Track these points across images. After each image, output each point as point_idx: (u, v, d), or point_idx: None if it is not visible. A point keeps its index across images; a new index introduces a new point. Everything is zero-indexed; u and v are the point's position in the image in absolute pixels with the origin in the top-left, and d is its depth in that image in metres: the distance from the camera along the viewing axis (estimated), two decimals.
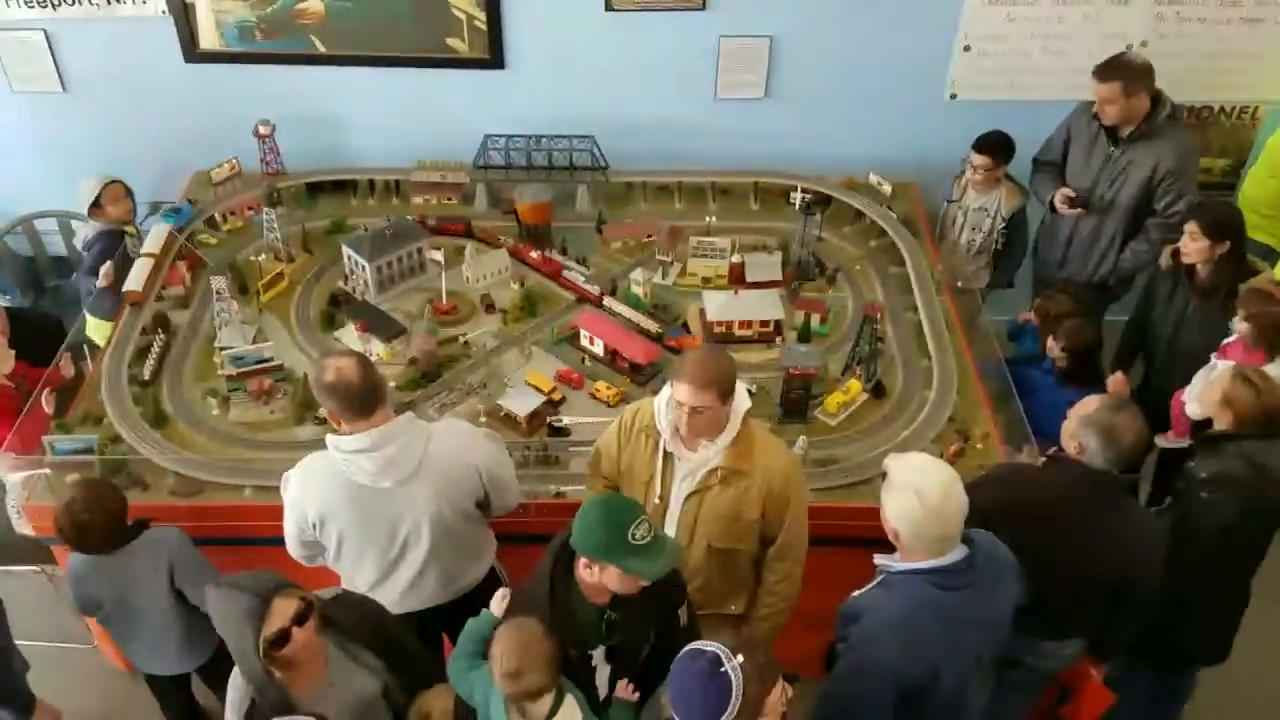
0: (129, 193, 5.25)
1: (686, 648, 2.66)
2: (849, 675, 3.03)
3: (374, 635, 3.11)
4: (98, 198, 5.15)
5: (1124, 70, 4.77)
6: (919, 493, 2.90)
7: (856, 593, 3.18)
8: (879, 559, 3.11)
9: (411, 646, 3.25)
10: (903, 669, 2.95)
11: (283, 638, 2.79)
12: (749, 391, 3.52)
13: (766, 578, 3.53)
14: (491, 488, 3.51)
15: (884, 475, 3.07)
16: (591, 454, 3.71)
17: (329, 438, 3.32)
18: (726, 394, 3.22)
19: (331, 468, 3.32)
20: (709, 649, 2.59)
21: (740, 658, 2.55)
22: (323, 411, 4.26)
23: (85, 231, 5.27)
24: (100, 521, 3.62)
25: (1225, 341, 4.40)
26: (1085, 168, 5.08)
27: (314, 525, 3.39)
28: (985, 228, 5.27)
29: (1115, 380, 4.63)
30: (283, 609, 2.80)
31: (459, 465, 3.42)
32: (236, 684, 2.93)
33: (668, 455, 3.41)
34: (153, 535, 3.76)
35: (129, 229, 5.25)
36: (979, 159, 5.10)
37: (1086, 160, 5.08)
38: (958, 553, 2.97)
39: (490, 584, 3.67)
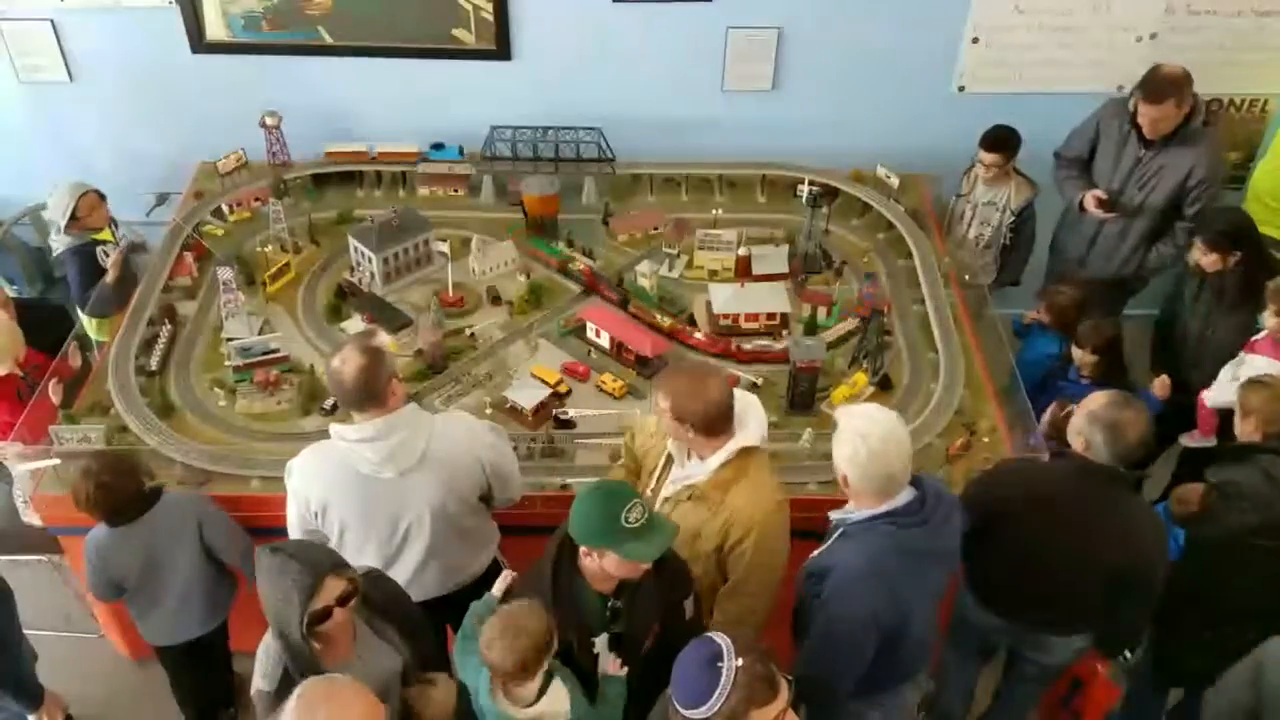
0: (103, 198, 5.11)
1: (710, 631, 2.68)
2: (828, 629, 3.13)
3: (399, 614, 3.14)
4: (74, 210, 4.98)
5: (1175, 87, 4.72)
6: (863, 436, 3.02)
7: (815, 552, 3.28)
8: (834, 514, 3.23)
9: (428, 629, 3.27)
10: (880, 611, 3.08)
11: (324, 615, 2.83)
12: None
13: (715, 613, 3.43)
14: (495, 480, 3.52)
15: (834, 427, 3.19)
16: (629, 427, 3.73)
17: (333, 426, 3.34)
18: (680, 416, 3.19)
19: (335, 456, 3.33)
20: (719, 640, 2.60)
21: (741, 660, 2.54)
22: (328, 403, 4.31)
23: (57, 246, 5.13)
24: (121, 482, 3.64)
25: (1254, 338, 4.39)
26: (1114, 169, 5.04)
27: (315, 514, 3.40)
28: (994, 222, 5.25)
29: (1160, 383, 4.61)
30: (332, 588, 2.84)
31: (462, 457, 3.42)
32: (269, 652, 2.96)
33: (671, 456, 3.44)
34: (173, 497, 3.81)
35: (103, 235, 5.13)
36: (990, 157, 5.08)
37: (1116, 161, 5.03)
38: (908, 494, 3.09)
39: (491, 576, 3.67)
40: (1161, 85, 4.73)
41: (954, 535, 3.25)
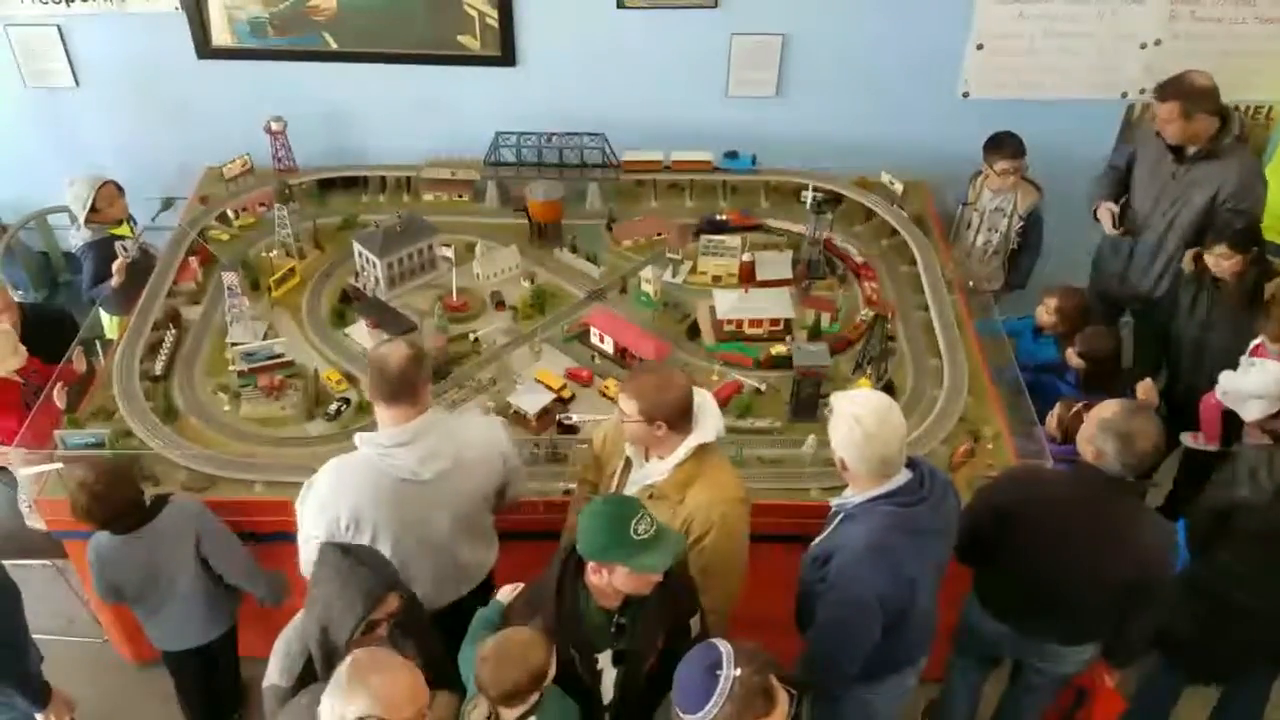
0: (121, 190, 5.18)
1: (712, 637, 2.68)
2: (836, 610, 3.19)
3: (418, 629, 3.14)
4: (93, 202, 5.05)
5: (1182, 91, 4.68)
6: (857, 419, 3.10)
7: (816, 540, 3.34)
8: (835, 500, 3.31)
9: (440, 646, 3.26)
10: (886, 590, 3.14)
11: (374, 626, 2.89)
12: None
13: None
14: (511, 475, 3.60)
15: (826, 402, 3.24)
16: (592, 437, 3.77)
17: (360, 436, 3.34)
18: (651, 415, 3.23)
19: (365, 466, 3.32)
20: (721, 649, 2.59)
21: (739, 670, 2.53)
22: (332, 407, 4.32)
23: (75, 240, 5.19)
24: (117, 492, 3.64)
25: (1254, 343, 4.40)
26: (1150, 184, 5.00)
27: (347, 527, 3.33)
28: (1001, 227, 5.25)
29: (1143, 387, 4.62)
30: (390, 603, 2.91)
31: (488, 453, 3.51)
32: (291, 649, 2.96)
33: (629, 460, 3.47)
34: (176, 507, 3.80)
35: (122, 230, 5.19)
36: (1009, 163, 5.04)
37: (1152, 177, 4.99)
38: (905, 474, 3.18)
39: (489, 583, 3.71)
40: (1170, 85, 4.71)
41: (952, 512, 3.34)
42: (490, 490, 3.55)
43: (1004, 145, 5.07)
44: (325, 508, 3.34)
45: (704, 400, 3.37)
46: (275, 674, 2.98)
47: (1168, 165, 4.91)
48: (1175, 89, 4.70)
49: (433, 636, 3.21)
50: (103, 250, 5.07)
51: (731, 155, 5.60)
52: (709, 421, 3.33)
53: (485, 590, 3.66)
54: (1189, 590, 3.83)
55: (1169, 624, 3.74)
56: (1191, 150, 4.80)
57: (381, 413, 3.33)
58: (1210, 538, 3.87)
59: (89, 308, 5.20)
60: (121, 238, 5.13)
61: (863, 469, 3.14)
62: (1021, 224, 5.21)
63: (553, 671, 2.89)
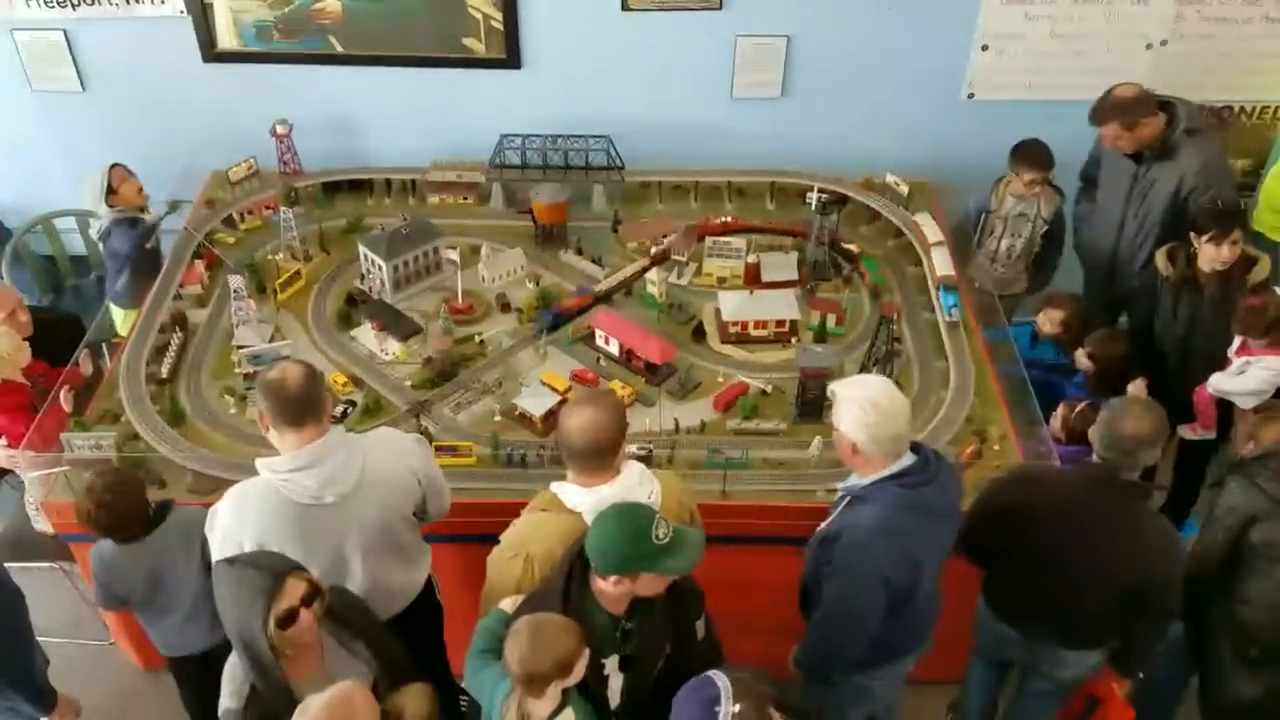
0: (130, 172, 5.25)
1: (710, 671, 2.63)
2: (843, 590, 3.24)
3: (366, 629, 3.12)
4: (110, 185, 5.14)
5: (1115, 110, 4.73)
6: (870, 400, 3.16)
7: (823, 523, 3.37)
8: (841, 485, 3.36)
9: (397, 644, 3.24)
10: (893, 571, 3.19)
11: (291, 617, 2.83)
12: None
13: None
14: (429, 491, 3.49)
15: (831, 403, 3.30)
16: None
17: (260, 461, 3.24)
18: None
19: (267, 491, 3.21)
20: (719, 684, 2.54)
21: (738, 707, 2.49)
22: (339, 409, 4.32)
23: (101, 222, 5.25)
24: (123, 500, 3.62)
25: (1236, 341, 4.42)
26: (1116, 185, 5.05)
27: None
28: (1026, 233, 5.24)
29: (1135, 387, 4.62)
30: (294, 589, 2.85)
31: (398, 472, 3.38)
32: (234, 672, 2.95)
33: None
34: (181, 515, 3.78)
35: (145, 214, 5.27)
36: (1033, 174, 5.02)
37: (1115, 180, 5.04)
38: (910, 456, 3.22)
39: (428, 596, 3.67)
40: (1102, 108, 4.76)
41: (956, 493, 3.40)
42: (408, 509, 3.44)
43: (1033, 158, 5.04)
44: (228, 537, 3.26)
45: (631, 483, 3.13)
46: (226, 697, 2.97)
47: (1129, 167, 4.95)
48: (1106, 110, 4.75)
49: (385, 634, 3.18)
50: (127, 228, 5.15)
51: (950, 290, 4.87)
52: (588, 500, 3.08)
53: (421, 609, 3.62)
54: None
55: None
56: (1147, 152, 4.85)
57: (284, 437, 3.17)
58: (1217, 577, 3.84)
59: (96, 311, 5.21)
60: (144, 211, 5.26)
61: (875, 449, 3.17)
62: (1046, 228, 5.21)
63: (581, 670, 2.86)
